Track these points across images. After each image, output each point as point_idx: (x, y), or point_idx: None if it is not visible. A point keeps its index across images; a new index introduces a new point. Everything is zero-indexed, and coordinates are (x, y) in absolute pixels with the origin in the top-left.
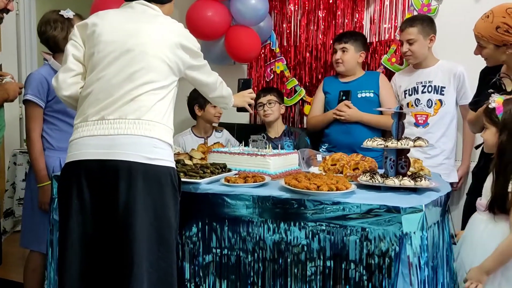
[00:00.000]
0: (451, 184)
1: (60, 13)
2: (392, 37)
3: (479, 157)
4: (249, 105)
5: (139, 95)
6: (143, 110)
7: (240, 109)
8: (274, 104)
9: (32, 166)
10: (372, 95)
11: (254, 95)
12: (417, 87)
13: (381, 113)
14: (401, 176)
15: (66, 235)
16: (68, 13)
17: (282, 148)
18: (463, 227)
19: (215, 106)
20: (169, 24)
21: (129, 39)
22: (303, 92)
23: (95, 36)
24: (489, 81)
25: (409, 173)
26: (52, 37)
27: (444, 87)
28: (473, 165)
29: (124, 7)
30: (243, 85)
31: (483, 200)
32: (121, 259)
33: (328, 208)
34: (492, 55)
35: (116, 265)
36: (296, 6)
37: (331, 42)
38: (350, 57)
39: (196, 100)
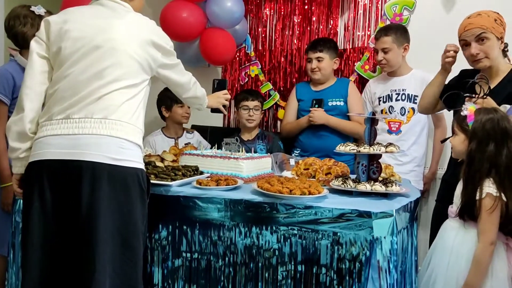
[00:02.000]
0: (420, 191)
1: (31, 9)
2: (366, 45)
3: (448, 164)
4: (224, 106)
5: (107, 94)
6: (110, 109)
7: (214, 110)
8: (258, 110)
9: None
10: (342, 103)
11: (228, 96)
12: (391, 94)
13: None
14: (372, 182)
15: (27, 237)
16: (40, 10)
17: (255, 152)
18: (431, 234)
19: (182, 106)
20: (139, 21)
21: (98, 35)
22: (277, 96)
23: (63, 32)
24: (465, 83)
25: (380, 178)
26: (21, 33)
27: (417, 96)
28: (441, 172)
29: (93, 4)
30: (218, 86)
31: (454, 207)
32: (83, 264)
33: (300, 212)
34: (494, 47)
35: (78, 269)
36: (272, 11)
37: (305, 51)
38: (326, 65)
39: (162, 102)
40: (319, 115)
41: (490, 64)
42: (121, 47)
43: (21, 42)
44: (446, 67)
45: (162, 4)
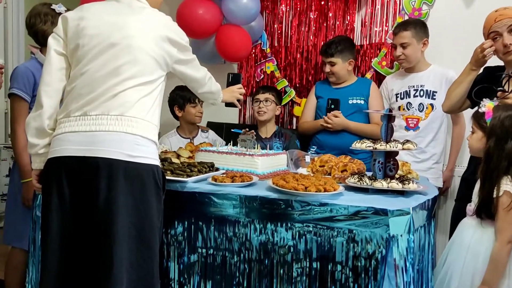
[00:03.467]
0: (439, 188)
1: (51, 7)
2: (383, 41)
3: (468, 162)
4: (238, 100)
5: (123, 91)
6: (126, 106)
7: (229, 105)
8: (271, 103)
9: (16, 161)
10: (362, 102)
11: (243, 91)
12: (409, 91)
13: (368, 121)
14: (389, 179)
15: (46, 232)
16: (60, 8)
17: (271, 149)
18: (451, 234)
19: (194, 106)
20: (155, 17)
21: (114, 32)
22: (293, 93)
23: (80, 29)
24: (496, 77)
25: (397, 176)
26: (42, 30)
27: (436, 92)
28: (461, 170)
29: (109, 0)
30: (233, 80)
31: (472, 205)
32: (100, 259)
33: (316, 210)
34: None
35: (96, 264)
36: (288, 7)
37: (320, 52)
38: (339, 68)
39: (175, 101)
40: (338, 122)
41: None
42: (137, 44)
43: (42, 40)
44: (479, 64)
45: (179, 1)
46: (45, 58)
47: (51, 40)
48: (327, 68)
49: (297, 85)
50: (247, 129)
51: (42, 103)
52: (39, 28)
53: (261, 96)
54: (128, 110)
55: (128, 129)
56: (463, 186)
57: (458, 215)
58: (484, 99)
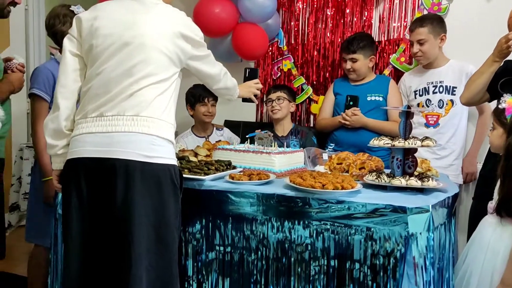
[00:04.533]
0: (460, 185)
1: (70, 8)
2: (401, 36)
3: (486, 158)
4: (255, 96)
5: (138, 90)
6: (142, 106)
7: (246, 100)
8: (283, 101)
9: (37, 160)
10: (381, 99)
11: (260, 86)
12: (428, 87)
13: (387, 118)
14: (408, 176)
15: (67, 232)
16: (79, 10)
17: (287, 147)
18: (469, 232)
19: (204, 105)
20: (168, 13)
21: (127, 31)
22: (310, 90)
23: (93, 29)
24: None
25: (416, 173)
26: (60, 31)
27: (456, 87)
28: (479, 166)
29: None
30: (250, 75)
31: (493, 202)
32: (120, 258)
33: (333, 207)
34: None
35: (115, 264)
36: (305, 4)
37: (339, 48)
38: (360, 65)
39: (187, 100)
40: (357, 120)
41: None
42: (150, 42)
43: (61, 41)
44: (503, 55)
45: (195, 0)
46: (61, 59)
47: (66, 41)
48: (348, 65)
49: (314, 82)
50: (260, 130)
51: (58, 105)
52: (58, 29)
53: (273, 95)
54: (143, 110)
55: (144, 129)
56: (481, 183)
57: (475, 214)
58: (504, 95)
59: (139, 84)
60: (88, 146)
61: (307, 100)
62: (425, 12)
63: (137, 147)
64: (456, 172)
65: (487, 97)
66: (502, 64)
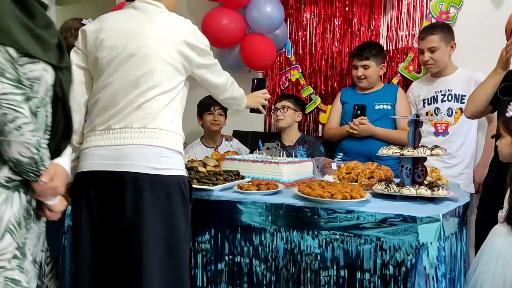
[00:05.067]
0: (471, 194)
1: (82, 21)
2: (410, 45)
3: (490, 166)
4: (263, 106)
5: (144, 102)
6: (149, 117)
7: (253, 110)
8: (287, 110)
9: None
10: (389, 107)
11: (268, 96)
12: (437, 96)
13: (395, 127)
14: (417, 185)
15: (77, 244)
16: (91, 23)
17: (295, 157)
18: (476, 243)
19: (210, 113)
20: (173, 21)
21: (131, 42)
22: (319, 100)
23: (98, 42)
24: None
25: (426, 182)
26: (72, 45)
27: (465, 95)
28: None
29: (126, 8)
30: (257, 85)
31: (504, 211)
32: (131, 270)
33: (342, 217)
34: None
35: (127, 276)
36: (312, 14)
37: (350, 56)
38: (372, 72)
39: (197, 110)
40: (364, 129)
41: None
42: (154, 52)
43: None
44: (504, 65)
45: (203, 12)
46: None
47: (72, 54)
48: (360, 72)
49: (322, 92)
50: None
51: None
52: (70, 43)
53: (278, 104)
54: (151, 122)
55: (152, 141)
56: (486, 193)
57: (482, 223)
58: (511, 103)
59: (145, 96)
60: (97, 160)
61: (316, 109)
62: (433, 21)
63: (146, 160)
64: (467, 181)
65: (490, 108)
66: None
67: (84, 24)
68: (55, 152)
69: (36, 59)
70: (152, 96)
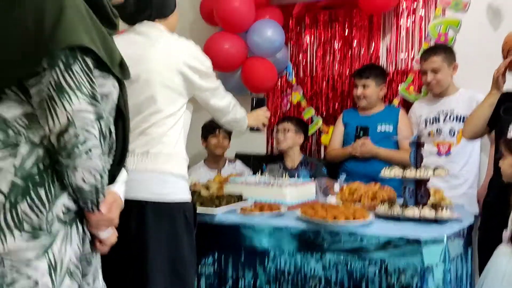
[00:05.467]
0: (476, 216)
1: None
2: (409, 67)
3: (489, 185)
4: (263, 124)
5: (148, 127)
6: (152, 143)
7: (253, 129)
8: (289, 131)
9: None
10: (391, 129)
11: (268, 114)
12: (439, 116)
13: (397, 147)
14: (421, 206)
15: None
16: None
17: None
18: (480, 264)
19: (214, 136)
20: (174, 44)
21: (132, 68)
22: (320, 121)
23: None
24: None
25: (429, 203)
26: None
27: (466, 116)
28: None
29: (128, 32)
30: (257, 104)
31: (508, 231)
32: None
33: (346, 239)
34: None
35: None
36: (312, 37)
37: (351, 76)
38: (372, 92)
39: (202, 133)
40: (367, 150)
41: None
42: (155, 77)
43: None
44: (496, 85)
45: (205, 37)
46: None
47: None
48: (359, 91)
49: (324, 113)
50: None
51: None
52: None
53: (280, 127)
54: (154, 147)
55: (156, 166)
56: (486, 212)
57: (483, 244)
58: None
59: (148, 121)
60: None
61: (318, 131)
62: (432, 43)
63: (149, 186)
64: (471, 202)
65: (488, 129)
66: (500, 97)
67: None
68: (111, 177)
69: (106, 73)
70: (155, 121)
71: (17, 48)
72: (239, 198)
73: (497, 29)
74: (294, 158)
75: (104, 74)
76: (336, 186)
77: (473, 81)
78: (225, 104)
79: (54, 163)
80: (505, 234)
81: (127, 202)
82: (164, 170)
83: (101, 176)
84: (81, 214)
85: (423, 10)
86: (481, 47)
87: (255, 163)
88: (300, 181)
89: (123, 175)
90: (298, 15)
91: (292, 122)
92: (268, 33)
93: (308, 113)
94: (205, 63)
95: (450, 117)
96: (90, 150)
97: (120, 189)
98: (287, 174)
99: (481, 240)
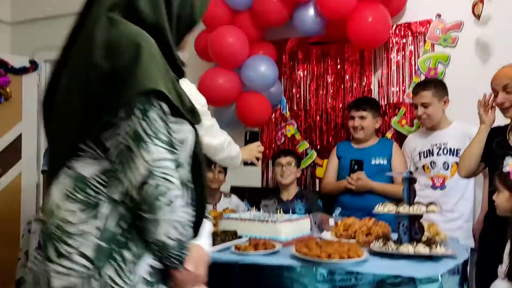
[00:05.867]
0: (471, 249)
1: None
2: (401, 100)
3: (484, 219)
4: (257, 158)
5: None
6: None
7: (247, 163)
8: (292, 166)
9: None
10: (385, 162)
11: (262, 148)
12: (432, 149)
13: (392, 180)
14: (415, 242)
15: None
16: None
17: (293, 212)
18: None
19: (209, 171)
20: None
21: None
22: (315, 155)
23: None
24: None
25: (424, 238)
26: None
27: (460, 149)
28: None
29: None
30: (250, 138)
31: (504, 266)
32: None
33: (340, 278)
34: None
35: None
36: (305, 71)
37: (347, 107)
38: (369, 123)
39: None
40: (362, 184)
41: None
42: None
43: None
44: (483, 119)
45: (200, 72)
46: None
47: None
48: (357, 122)
49: (318, 146)
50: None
51: None
52: None
53: (283, 160)
54: None
55: None
56: (482, 247)
57: (481, 279)
58: (506, 158)
59: None
60: None
61: (312, 164)
62: (422, 77)
63: None
64: (467, 235)
65: (483, 165)
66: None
67: None
68: (194, 229)
69: (180, 119)
70: None
71: (93, 99)
72: (234, 234)
73: (485, 62)
74: (290, 191)
75: (178, 119)
76: (331, 221)
77: (465, 115)
78: (219, 142)
79: (135, 220)
80: (501, 269)
81: None
82: None
83: (185, 229)
84: (166, 273)
85: (413, 45)
86: (471, 81)
87: (250, 196)
88: (295, 217)
89: (207, 227)
90: (291, 50)
91: (294, 156)
92: (262, 68)
93: (303, 146)
94: (200, 101)
95: (443, 150)
96: (171, 201)
97: (205, 243)
98: (282, 207)
99: (478, 276)
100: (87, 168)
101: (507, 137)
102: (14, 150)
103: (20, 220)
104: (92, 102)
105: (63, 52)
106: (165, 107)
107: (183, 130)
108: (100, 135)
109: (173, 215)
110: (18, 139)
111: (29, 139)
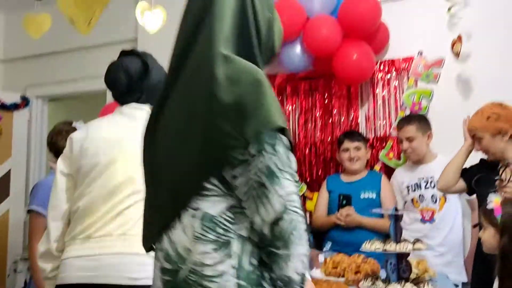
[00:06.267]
0: (464, 284)
1: (73, 125)
2: (388, 134)
3: (475, 256)
4: None
5: (125, 208)
6: (129, 224)
7: None
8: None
9: (32, 275)
10: (374, 196)
11: None
12: (420, 183)
13: (382, 215)
14: (403, 282)
15: None
16: (81, 126)
17: None
18: None
19: None
20: None
21: (111, 149)
22: (305, 188)
23: (83, 150)
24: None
25: (413, 275)
26: (63, 147)
27: None
28: None
29: (114, 113)
30: None
31: None
32: None
33: None
34: (490, 145)
35: None
36: (294, 106)
37: (338, 141)
38: (363, 154)
39: None
40: (350, 220)
41: (495, 157)
42: (134, 159)
43: None
44: (466, 137)
45: None
46: (53, 180)
47: (59, 161)
48: (353, 153)
49: (308, 179)
50: None
51: (49, 228)
52: (60, 146)
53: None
54: (131, 228)
55: (133, 249)
56: (474, 280)
57: None
58: (490, 195)
59: (125, 203)
60: (74, 272)
61: (302, 197)
62: (407, 111)
63: (125, 270)
64: (459, 269)
65: (464, 185)
66: (479, 161)
67: (74, 128)
68: None
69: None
70: (133, 202)
71: (216, 130)
72: None
73: (467, 98)
74: None
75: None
76: (321, 257)
77: (449, 148)
78: None
79: (262, 257)
80: None
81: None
82: (141, 252)
83: (307, 262)
84: None
85: (397, 80)
86: (454, 115)
87: None
88: None
89: None
90: (279, 86)
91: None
92: None
93: None
94: None
95: (431, 183)
96: (301, 235)
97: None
98: None
99: None
100: (215, 206)
101: (494, 174)
102: (2, 187)
103: (7, 259)
104: (214, 134)
105: (165, 86)
106: (285, 140)
107: (294, 161)
108: (227, 172)
109: (302, 249)
110: (7, 175)
111: (18, 176)
